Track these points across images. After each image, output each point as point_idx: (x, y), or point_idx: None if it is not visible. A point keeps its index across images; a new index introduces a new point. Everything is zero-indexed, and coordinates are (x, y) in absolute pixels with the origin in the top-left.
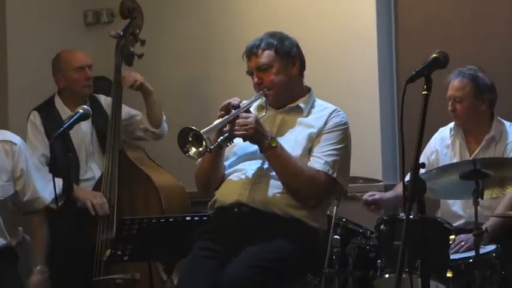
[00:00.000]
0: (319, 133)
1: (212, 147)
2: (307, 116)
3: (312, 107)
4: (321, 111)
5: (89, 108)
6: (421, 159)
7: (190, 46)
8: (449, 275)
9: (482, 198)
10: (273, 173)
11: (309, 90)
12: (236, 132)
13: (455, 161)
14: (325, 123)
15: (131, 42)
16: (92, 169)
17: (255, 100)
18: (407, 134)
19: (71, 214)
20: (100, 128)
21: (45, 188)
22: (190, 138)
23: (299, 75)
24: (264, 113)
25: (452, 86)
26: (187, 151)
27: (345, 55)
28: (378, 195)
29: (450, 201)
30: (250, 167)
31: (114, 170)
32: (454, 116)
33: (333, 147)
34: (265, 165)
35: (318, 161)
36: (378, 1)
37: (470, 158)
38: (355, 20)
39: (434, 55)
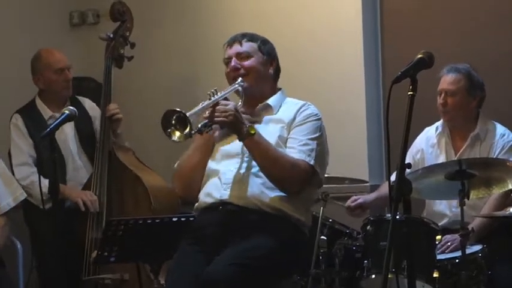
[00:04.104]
0: (290, 125)
1: (192, 132)
2: (276, 113)
3: (282, 105)
4: (290, 106)
5: (75, 109)
6: (407, 159)
7: (178, 47)
8: (435, 275)
9: (468, 198)
10: (253, 170)
11: (279, 89)
12: (216, 119)
13: (441, 159)
14: (295, 116)
15: (121, 44)
16: (78, 170)
17: (232, 90)
18: (394, 134)
19: (60, 213)
20: (81, 131)
21: (2, 196)
22: (173, 121)
23: (273, 76)
24: (240, 102)
25: (446, 79)
26: (171, 134)
27: (331, 53)
28: (361, 199)
29: (436, 201)
30: (229, 167)
31: (103, 170)
32: (444, 111)
33: (307, 137)
34: (244, 164)
35: (294, 152)
36: None
37: (456, 157)
38: (341, 16)
39: (419, 55)
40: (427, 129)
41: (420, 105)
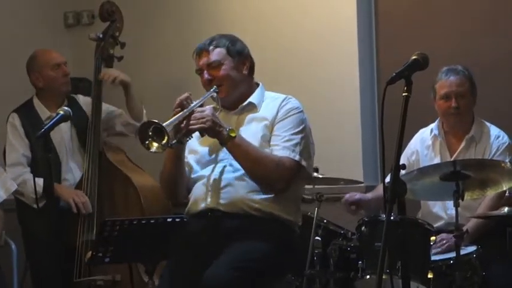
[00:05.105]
0: (273, 122)
1: (173, 142)
2: (259, 110)
3: (264, 100)
4: (271, 101)
5: (70, 110)
6: (402, 160)
7: (171, 47)
8: (430, 276)
9: (462, 199)
10: (238, 174)
11: (258, 85)
12: (194, 126)
13: (436, 161)
14: (277, 111)
15: (111, 44)
16: (72, 169)
17: (207, 96)
18: (388, 135)
19: (52, 214)
20: (79, 128)
21: None
22: (150, 133)
23: (249, 75)
24: (219, 107)
25: (451, 83)
26: (149, 146)
27: (326, 54)
28: (358, 195)
29: (431, 202)
30: (214, 172)
31: (94, 171)
32: (457, 113)
33: (290, 133)
34: (229, 168)
35: (278, 149)
36: None
37: (452, 159)
38: (336, 16)
39: (414, 57)
40: (421, 130)
41: (415, 106)
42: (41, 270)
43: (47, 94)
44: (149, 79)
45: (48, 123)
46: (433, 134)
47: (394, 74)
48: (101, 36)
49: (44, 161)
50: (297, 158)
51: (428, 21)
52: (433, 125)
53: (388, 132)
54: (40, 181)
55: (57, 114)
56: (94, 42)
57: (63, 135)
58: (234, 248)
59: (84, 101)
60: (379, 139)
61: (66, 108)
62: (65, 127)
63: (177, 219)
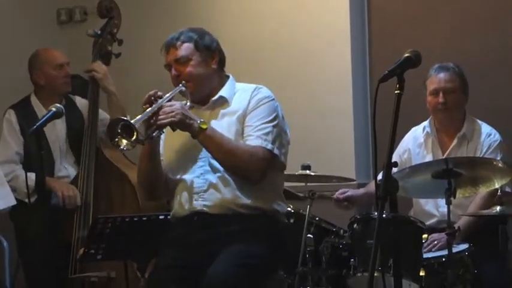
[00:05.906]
0: (245, 113)
1: (143, 138)
2: (231, 104)
3: (235, 93)
4: (243, 93)
5: (62, 107)
6: (394, 158)
7: None
8: (422, 273)
9: (454, 197)
10: (219, 174)
11: (228, 77)
12: (163, 121)
13: (427, 159)
14: (249, 102)
15: (109, 41)
16: (66, 168)
17: (175, 92)
18: (381, 133)
19: (45, 210)
20: (74, 129)
21: None
22: (119, 130)
23: (218, 69)
24: (187, 102)
25: (440, 78)
26: (118, 143)
27: (318, 52)
28: (350, 192)
29: (423, 200)
30: (194, 174)
31: (90, 167)
32: (445, 109)
33: (262, 122)
34: (208, 169)
35: (251, 139)
36: None
37: (443, 157)
38: (329, 14)
39: (406, 54)
40: (414, 128)
41: (407, 104)
42: (33, 267)
43: (46, 92)
44: (145, 78)
45: (40, 120)
46: (425, 131)
47: (386, 71)
48: (98, 32)
49: (37, 158)
50: (269, 146)
51: (421, 19)
52: (425, 123)
53: (381, 130)
54: (32, 175)
55: (49, 111)
56: (87, 39)
57: (58, 133)
58: (231, 248)
59: (81, 102)
60: (372, 137)
61: (58, 105)
62: (61, 126)
63: (169, 217)
